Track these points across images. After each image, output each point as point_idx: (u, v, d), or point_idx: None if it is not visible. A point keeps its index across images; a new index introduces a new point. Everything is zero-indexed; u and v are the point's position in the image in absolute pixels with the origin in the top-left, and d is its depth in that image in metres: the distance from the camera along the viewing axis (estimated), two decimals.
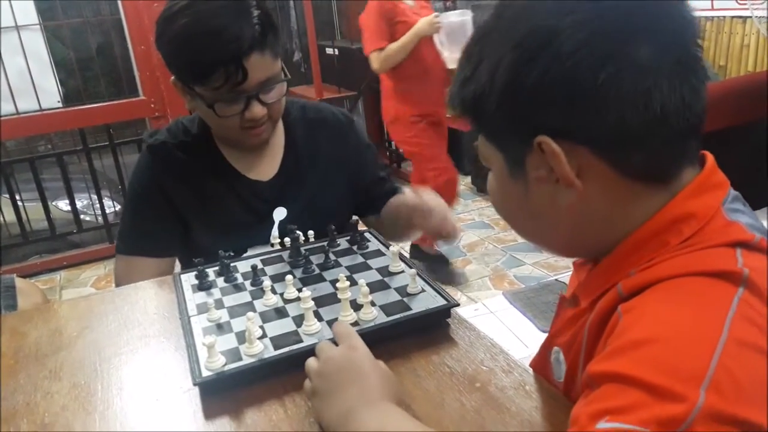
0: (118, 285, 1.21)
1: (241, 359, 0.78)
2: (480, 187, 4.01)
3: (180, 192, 1.22)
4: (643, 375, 0.48)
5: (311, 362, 0.72)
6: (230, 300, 0.94)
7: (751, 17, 3.14)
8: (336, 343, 0.74)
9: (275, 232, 1.13)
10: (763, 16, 2.52)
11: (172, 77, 1.13)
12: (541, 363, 0.77)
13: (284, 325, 0.85)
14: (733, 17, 3.24)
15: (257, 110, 1.10)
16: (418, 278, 0.92)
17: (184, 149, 1.23)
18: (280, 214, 1.20)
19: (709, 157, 0.63)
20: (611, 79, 0.54)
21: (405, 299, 0.89)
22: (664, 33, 0.57)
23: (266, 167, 1.25)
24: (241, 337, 0.82)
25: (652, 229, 0.59)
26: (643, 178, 0.59)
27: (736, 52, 3.28)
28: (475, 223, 3.62)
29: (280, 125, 1.26)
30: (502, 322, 2.53)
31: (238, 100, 1.09)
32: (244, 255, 1.12)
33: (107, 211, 3.57)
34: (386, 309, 0.87)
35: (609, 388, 0.50)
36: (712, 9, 3.31)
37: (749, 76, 3.07)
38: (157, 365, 0.86)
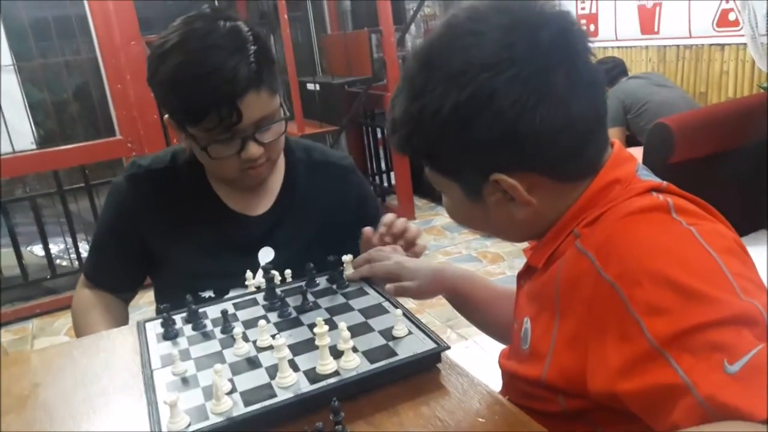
0: (74, 314, 1.25)
1: (207, 418, 0.70)
2: None
3: (156, 223, 1.16)
4: (707, 316, 0.53)
5: None
6: (198, 350, 0.85)
7: (729, 45, 3.16)
8: None
9: (248, 273, 1.05)
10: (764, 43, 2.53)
11: (166, 115, 1.07)
12: (511, 346, 0.85)
13: (256, 378, 0.76)
14: (711, 45, 3.26)
15: (254, 150, 1.04)
16: (404, 319, 0.85)
17: (167, 175, 1.17)
18: (266, 255, 1.12)
19: (614, 140, 0.76)
20: (543, 121, 0.65)
21: (390, 343, 0.81)
22: (573, 59, 0.67)
23: (257, 202, 1.18)
24: (209, 392, 0.73)
25: (587, 197, 0.71)
26: (580, 178, 0.72)
27: (715, 79, 3.30)
28: (462, 257, 3.55)
29: (281, 161, 1.20)
30: (494, 359, 2.44)
31: (234, 140, 1.03)
32: (224, 297, 1.04)
33: (84, 255, 3.45)
34: (370, 355, 0.79)
35: (691, 343, 0.53)
36: (690, 37, 3.34)
37: (730, 103, 3.07)
38: (115, 427, 0.77)
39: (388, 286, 0.98)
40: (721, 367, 0.51)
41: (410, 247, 1.08)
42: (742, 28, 3.00)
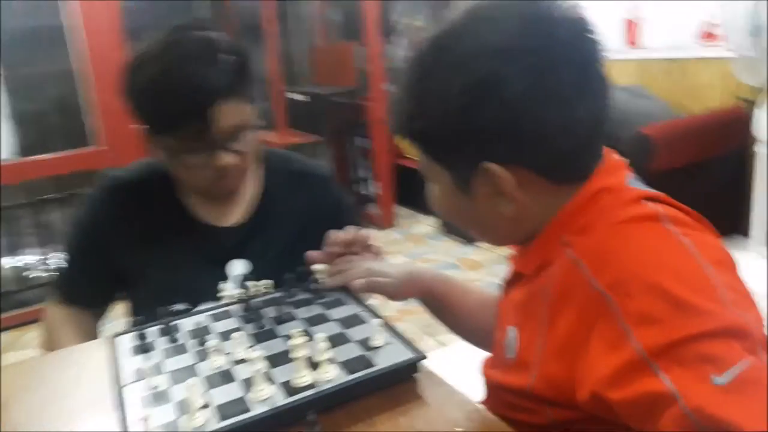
0: (44, 330, 1.20)
1: None
2: (447, 228, 3.96)
3: (128, 236, 1.14)
4: (697, 327, 0.53)
5: None
6: (171, 363, 0.83)
7: (711, 58, 3.21)
8: None
9: (222, 285, 1.03)
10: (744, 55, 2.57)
11: (138, 126, 1.06)
12: (494, 355, 0.82)
13: (231, 392, 0.75)
14: (693, 58, 3.30)
15: (227, 159, 1.03)
16: (382, 329, 0.83)
17: (139, 188, 1.17)
18: (236, 267, 1.10)
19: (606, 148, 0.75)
20: (549, 116, 0.65)
21: (367, 354, 0.80)
22: (585, 62, 0.67)
23: (230, 213, 1.17)
24: (182, 407, 0.72)
25: (576, 203, 0.70)
26: (572, 182, 0.71)
27: (698, 92, 3.34)
28: (442, 264, 3.55)
29: (258, 172, 1.19)
30: (473, 367, 2.44)
31: (206, 150, 1.02)
32: (194, 310, 1.02)
33: (57, 267, 3.39)
34: (347, 366, 0.77)
35: (681, 355, 0.53)
36: (672, 49, 3.38)
37: (709, 113, 3.12)
38: None
39: (359, 281, 0.95)
40: (709, 378, 0.50)
41: (366, 250, 1.06)
42: (723, 42, 3.05)
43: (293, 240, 1.17)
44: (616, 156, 0.75)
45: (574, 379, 0.62)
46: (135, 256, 1.15)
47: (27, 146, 3.38)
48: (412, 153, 4.57)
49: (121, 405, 0.74)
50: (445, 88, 0.66)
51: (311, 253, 1.04)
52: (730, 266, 0.63)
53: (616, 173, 0.72)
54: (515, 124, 0.65)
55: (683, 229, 0.63)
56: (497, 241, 0.82)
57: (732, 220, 3.00)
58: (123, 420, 0.71)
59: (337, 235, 1.03)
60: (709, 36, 3.18)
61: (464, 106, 0.65)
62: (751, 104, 2.73)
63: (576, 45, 0.67)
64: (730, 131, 2.88)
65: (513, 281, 0.81)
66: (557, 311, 0.66)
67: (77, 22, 3.10)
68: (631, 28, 3.57)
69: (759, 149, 2.62)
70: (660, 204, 0.68)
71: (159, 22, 1.06)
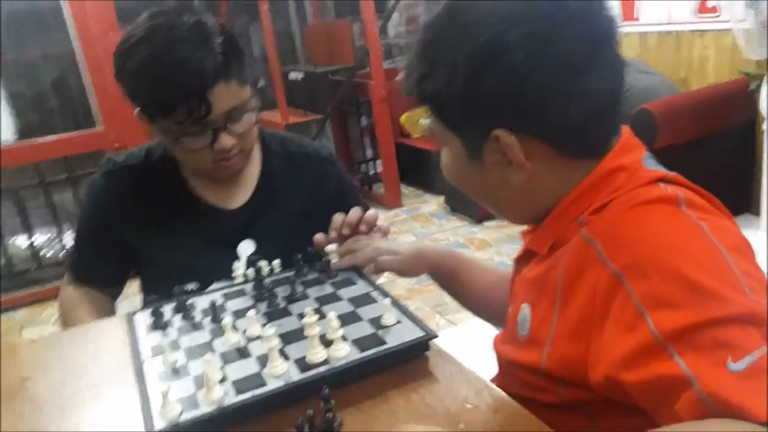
0: (60, 310, 1.24)
1: (198, 407, 0.71)
2: (453, 207, 3.97)
3: (134, 219, 1.17)
4: (715, 312, 0.53)
5: None
6: (188, 340, 0.86)
7: (708, 30, 3.19)
8: None
9: (236, 264, 1.05)
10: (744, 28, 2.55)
11: (136, 110, 1.07)
12: (506, 331, 0.82)
13: (247, 367, 0.77)
14: (691, 30, 3.29)
15: (226, 141, 1.05)
16: (393, 308, 0.85)
17: (142, 171, 1.18)
18: (247, 247, 1.12)
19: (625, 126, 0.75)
20: (556, 84, 0.65)
21: (379, 332, 0.82)
22: (596, 35, 0.67)
23: (234, 195, 1.19)
24: (200, 381, 0.74)
25: (590, 182, 0.70)
26: (585, 156, 0.71)
27: (695, 65, 3.33)
28: (449, 244, 3.57)
29: (257, 153, 1.21)
30: (483, 345, 2.47)
31: (205, 132, 1.03)
32: (207, 290, 1.04)
33: (69, 245, 3.44)
34: (359, 344, 0.80)
35: (697, 339, 0.53)
36: (671, 23, 3.36)
37: (712, 88, 3.11)
38: (107, 419, 0.78)
39: (367, 268, 0.99)
40: (725, 363, 0.51)
41: (372, 229, 1.07)
42: (720, 15, 3.02)
43: (297, 221, 1.18)
44: (633, 136, 0.75)
45: (587, 359, 0.63)
46: (142, 238, 1.17)
47: (22, 130, 3.39)
48: (415, 131, 4.57)
49: (142, 379, 0.77)
50: (454, 54, 0.67)
51: (319, 236, 1.06)
52: (746, 252, 0.62)
53: (632, 153, 0.72)
54: (520, 90, 0.65)
55: (700, 214, 0.63)
56: (509, 215, 0.81)
57: (738, 198, 3.00)
58: (144, 392, 0.74)
59: (343, 218, 1.05)
60: (706, 8, 3.15)
61: (471, 70, 0.66)
62: (754, 78, 2.71)
63: (588, 18, 0.67)
64: (733, 106, 2.86)
65: (526, 258, 0.81)
66: (570, 290, 0.67)
67: (69, 4, 3.08)
68: (629, 1, 3.53)
69: (767, 127, 2.61)
70: (677, 186, 0.67)
71: (146, 2, 1.05)
